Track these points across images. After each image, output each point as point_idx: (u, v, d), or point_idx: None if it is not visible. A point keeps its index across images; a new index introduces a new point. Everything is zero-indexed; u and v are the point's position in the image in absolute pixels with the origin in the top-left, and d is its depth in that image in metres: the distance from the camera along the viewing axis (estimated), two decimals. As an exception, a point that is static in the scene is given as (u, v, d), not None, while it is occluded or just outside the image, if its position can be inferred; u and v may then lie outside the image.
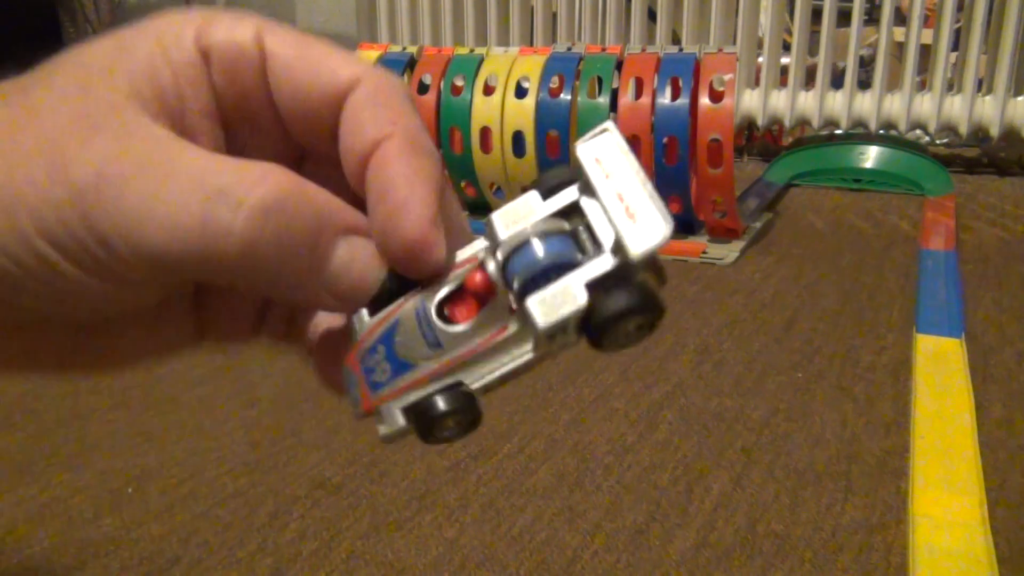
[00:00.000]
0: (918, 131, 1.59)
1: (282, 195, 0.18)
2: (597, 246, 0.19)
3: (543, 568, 0.47)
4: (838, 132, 1.63)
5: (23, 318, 0.20)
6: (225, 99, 0.20)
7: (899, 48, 1.63)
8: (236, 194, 0.17)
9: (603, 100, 1.10)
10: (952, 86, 1.55)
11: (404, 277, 0.20)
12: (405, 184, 0.19)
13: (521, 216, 0.20)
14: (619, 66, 1.12)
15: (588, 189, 0.20)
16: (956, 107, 1.51)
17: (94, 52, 0.19)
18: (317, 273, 0.19)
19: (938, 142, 1.79)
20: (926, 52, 1.55)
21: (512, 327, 0.19)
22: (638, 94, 1.08)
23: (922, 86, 1.55)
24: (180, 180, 0.17)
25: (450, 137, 1.19)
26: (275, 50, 0.20)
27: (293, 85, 0.20)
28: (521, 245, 0.19)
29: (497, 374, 0.20)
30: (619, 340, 0.20)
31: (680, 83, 1.06)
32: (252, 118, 0.21)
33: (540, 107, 1.12)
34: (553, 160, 1.13)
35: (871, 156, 1.51)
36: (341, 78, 0.20)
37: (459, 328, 0.20)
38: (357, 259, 0.20)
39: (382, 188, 0.19)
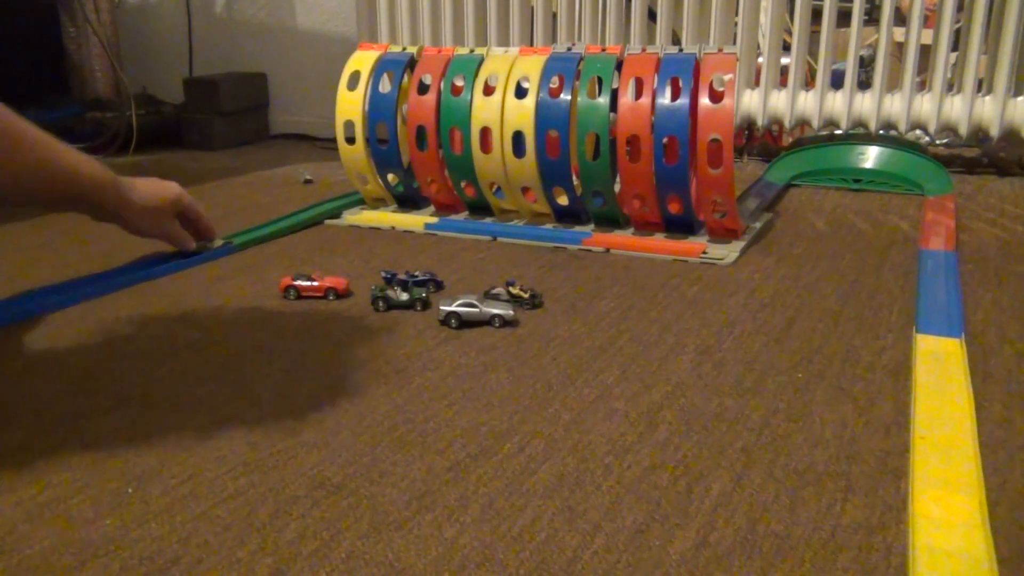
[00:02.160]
0: (918, 131, 1.59)
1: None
2: None
3: (543, 568, 0.47)
4: (838, 132, 1.63)
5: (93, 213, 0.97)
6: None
7: (899, 48, 1.63)
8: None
9: (603, 100, 1.10)
10: (952, 86, 1.55)
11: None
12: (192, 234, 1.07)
13: None
14: (619, 66, 1.12)
15: None
16: (956, 107, 1.50)
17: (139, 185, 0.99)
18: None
19: (938, 142, 1.79)
20: (926, 52, 1.54)
21: None
22: (638, 94, 1.08)
23: (922, 86, 1.55)
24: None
25: (450, 137, 1.19)
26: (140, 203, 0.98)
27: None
28: None
29: None
30: None
31: (680, 83, 1.06)
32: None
33: (540, 107, 1.13)
34: (553, 160, 1.13)
35: (871, 156, 1.51)
36: (172, 193, 1.01)
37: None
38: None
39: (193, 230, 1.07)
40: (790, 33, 1.62)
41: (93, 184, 0.90)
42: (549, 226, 1.20)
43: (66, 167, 0.87)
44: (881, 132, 1.57)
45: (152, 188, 0.99)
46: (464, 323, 0.84)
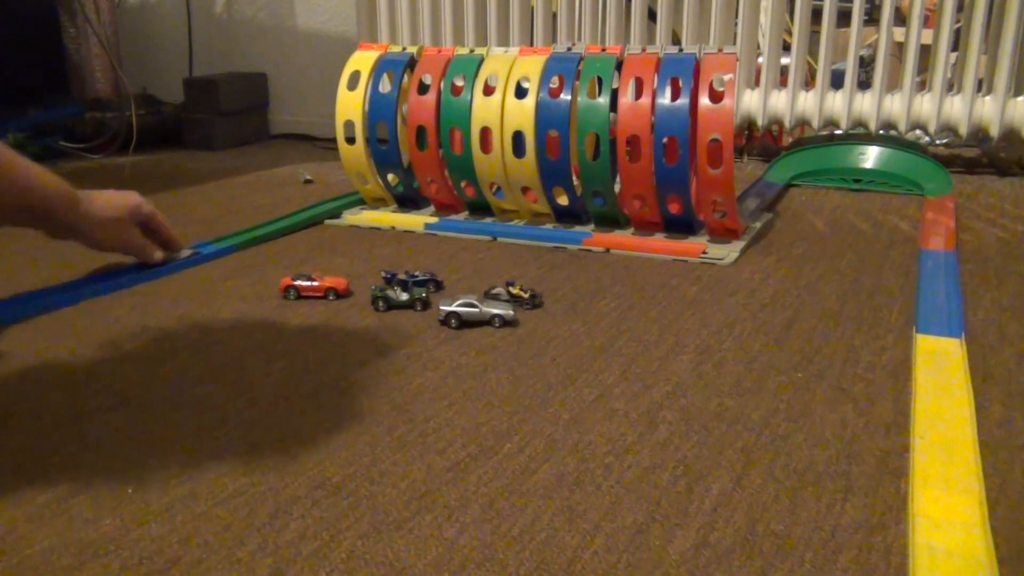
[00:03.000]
0: (918, 131, 1.59)
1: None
2: None
3: (543, 568, 0.47)
4: (838, 132, 1.63)
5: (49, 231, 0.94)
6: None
7: (899, 48, 1.63)
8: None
9: (603, 100, 1.10)
10: (952, 86, 1.55)
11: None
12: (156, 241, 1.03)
13: None
14: (619, 66, 1.12)
15: None
16: (956, 107, 1.50)
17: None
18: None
19: (938, 142, 1.79)
20: (926, 52, 1.54)
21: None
22: (638, 94, 1.08)
23: (922, 86, 1.55)
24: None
25: (450, 137, 1.19)
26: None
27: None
28: None
29: None
30: None
31: (680, 83, 1.06)
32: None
33: (540, 107, 1.13)
34: (553, 160, 1.13)
35: (871, 156, 1.51)
36: (131, 202, 0.97)
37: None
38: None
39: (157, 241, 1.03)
40: (790, 33, 1.62)
41: (44, 195, 0.86)
42: (549, 226, 1.20)
43: (15, 176, 0.83)
44: (881, 132, 1.57)
45: (109, 198, 0.95)
46: (464, 323, 0.84)
